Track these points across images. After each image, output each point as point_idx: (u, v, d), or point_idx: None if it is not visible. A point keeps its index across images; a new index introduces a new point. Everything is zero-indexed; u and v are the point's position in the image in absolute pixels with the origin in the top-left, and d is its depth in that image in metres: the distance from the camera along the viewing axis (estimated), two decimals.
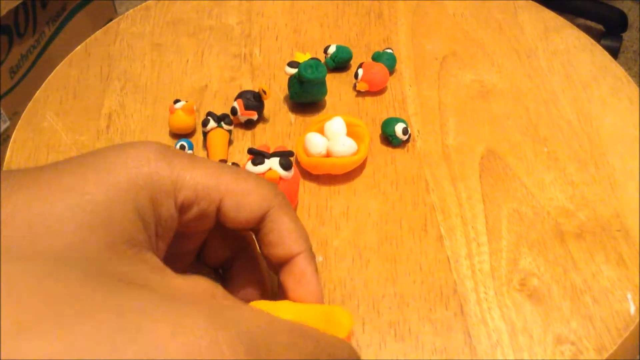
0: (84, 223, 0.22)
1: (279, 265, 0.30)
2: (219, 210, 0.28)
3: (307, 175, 0.44)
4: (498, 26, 0.55)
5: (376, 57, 0.51)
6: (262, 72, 0.52)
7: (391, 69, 0.51)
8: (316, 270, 0.30)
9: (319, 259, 0.39)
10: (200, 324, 0.18)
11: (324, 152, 0.43)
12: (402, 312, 0.37)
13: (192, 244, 0.32)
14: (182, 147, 0.45)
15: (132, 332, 0.16)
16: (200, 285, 0.25)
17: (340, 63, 0.51)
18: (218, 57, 0.54)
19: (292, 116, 0.49)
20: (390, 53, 0.51)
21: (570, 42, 0.54)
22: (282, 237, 0.30)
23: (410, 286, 0.38)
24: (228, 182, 0.28)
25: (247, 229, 0.30)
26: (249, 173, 0.30)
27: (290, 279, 0.30)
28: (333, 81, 0.51)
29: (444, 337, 0.36)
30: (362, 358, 0.35)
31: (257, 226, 0.30)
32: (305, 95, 0.47)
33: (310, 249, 0.31)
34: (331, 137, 0.43)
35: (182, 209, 0.27)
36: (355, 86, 0.50)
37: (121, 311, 0.17)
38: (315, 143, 0.43)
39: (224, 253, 0.33)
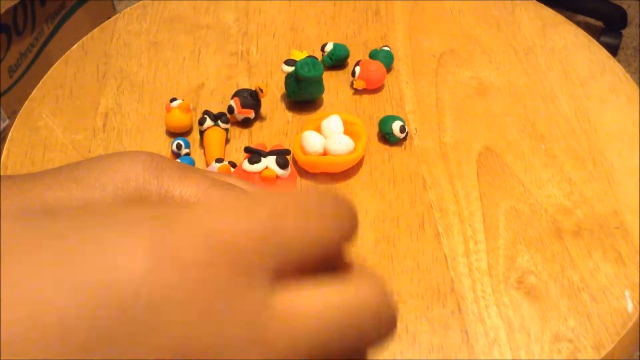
0: None
1: None
2: None
3: (304, 173, 0.44)
4: (496, 23, 0.55)
5: (373, 55, 0.51)
6: (259, 70, 0.52)
7: (388, 67, 0.51)
8: None
9: None
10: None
11: (321, 150, 0.43)
12: (399, 311, 0.37)
13: None
14: (179, 146, 0.45)
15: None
16: None
17: (337, 61, 0.51)
18: (215, 55, 0.54)
19: (289, 114, 0.48)
20: (387, 51, 0.51)
21: (568, 39, 0.54)
22: None
23: (407, 284, 0.38)
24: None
25: None
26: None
27: None
28: (330, 79, 0.51)
29: (441, 335, 0.36)
30: None
31: None
32: (302, 94, 0.47)
33: None
34: (328, 135, 0.43)
35: None
36: (352, 84, 0.50)
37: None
38: (312, 141, 0.43)
39: None
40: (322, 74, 0.46)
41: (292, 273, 0.16)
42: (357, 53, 0.53)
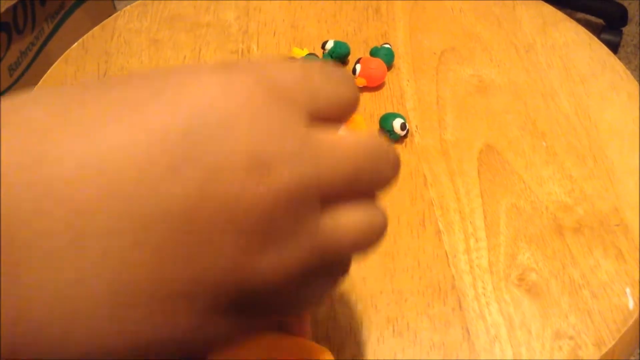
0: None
1: None
2: None
3: None
4: (496, 21, 0.55)
5: (374, 53, 0.51)
6: None
7: (389, 64, 0.51)
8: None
9: None
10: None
11: None
12: (400, 308, 0.37)
13: None
14: None
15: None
16: None
17: (338, 59, 0.51)
18: (215, 54, 0.54)
19: None
20: (388, 48, 0.51)
21: (569, 36, 0.54)
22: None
23: (408, 282, 0.38)
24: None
25: None
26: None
27: None
28: None
29: (442, 332, 0.36)
30: (361, 354, 0.35)
31: None
32: None
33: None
34: None
35: None
36: None
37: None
38: None
39: None
40: None
41: (320, 121, 0.21)
42: (358, 51, 0.53)
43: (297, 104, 0.20)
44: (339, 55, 0.51)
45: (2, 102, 0.18)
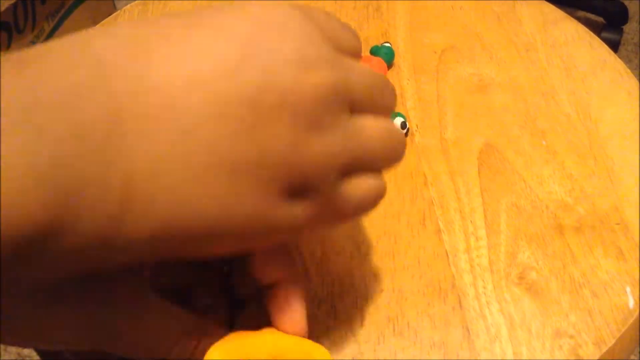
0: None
1: (263, 288, 0.29)
2: None
3: None
4: (497, 19, 0.55)
5: (375, 51, 0.51)
6: None
7: (389, 63, 0.51)
8: (302, 297, 0.29)
9: (317, 253, 0.39)
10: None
11: None
12: (401, 307, 0.37)
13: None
14: None
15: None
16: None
17: None
18: None
19: None
20: (388, 47, 0.51)
21: (569, 34, 0.54)
22: (265, 258, 0.28)
23: (408, 281, 0.38)
24: None
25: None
26: None
27: (273, 306, 0.29)
28: None
29: (442, 331, 0.36)
30: (361, 353, 0.35)
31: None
32: None
33: (297, 273, 0.29)
34: None
35: None
36: None
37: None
38: None
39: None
40: None
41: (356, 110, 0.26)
42: None
43: (325, 31, 0.25)
44: None
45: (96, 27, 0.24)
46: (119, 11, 0.58)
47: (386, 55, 0.50)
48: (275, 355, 0.26)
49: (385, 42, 0.52)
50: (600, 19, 1.60)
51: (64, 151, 0.19)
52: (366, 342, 0.35)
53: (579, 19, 0.55)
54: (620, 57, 0.52)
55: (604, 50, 0.53)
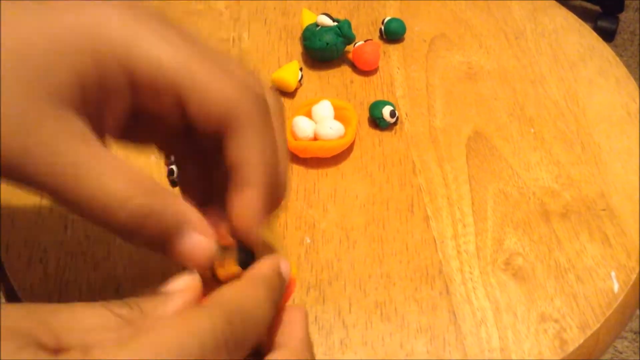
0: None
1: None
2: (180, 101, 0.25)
3: (294, 158, 0.44)
4: (487, 7, 0.55)
5: (388, 24, 0.52)
6: (251, 56, 0.52)
7: (401, 35, 0.52)
8: (264, 182, 0.25)
9: (307, 240, 0.40)
10: None
11: (311, 135, 0.43)
12: (389, 292, 0.37)
13: (158, 141, 0.29)
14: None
15: None
16: (136, 174, 0.23)
17: (345, 37, 0.50)
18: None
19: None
20: (399, 20, 0.52)
21: (558, 22, 0.54)
22: (238, 162, 0.25)
23: (396, 266, 0.38)
24: (194, 65, 0.25)
25: (212, 136, 0.25)
26: (230, 59, 0.26)
27: (235, 208, 0.25)
28: (322, 65, 0.51)
29: (429, 316, 0.36)
30: (349, 338, 0.35)
31: (220, 135, 0.25)
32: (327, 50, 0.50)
33: (269, 183, 0.26)
34: (318, 120, 0.44)
35: (135, 85, 0.24)
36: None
37: None
38: (303, 127, 0.43)
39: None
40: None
41: None
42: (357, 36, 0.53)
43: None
44: (346, 35, 0.50)
45: None
46: None
47: (400, 27, 0.52)
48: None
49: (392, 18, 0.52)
50: (596, 8, 1.60)
51: None
52: (354, 326, 0.36)
53: (574, 7, 0.55)
54: (616, 46, 0.52)
55: (592, 37, 0.53)
